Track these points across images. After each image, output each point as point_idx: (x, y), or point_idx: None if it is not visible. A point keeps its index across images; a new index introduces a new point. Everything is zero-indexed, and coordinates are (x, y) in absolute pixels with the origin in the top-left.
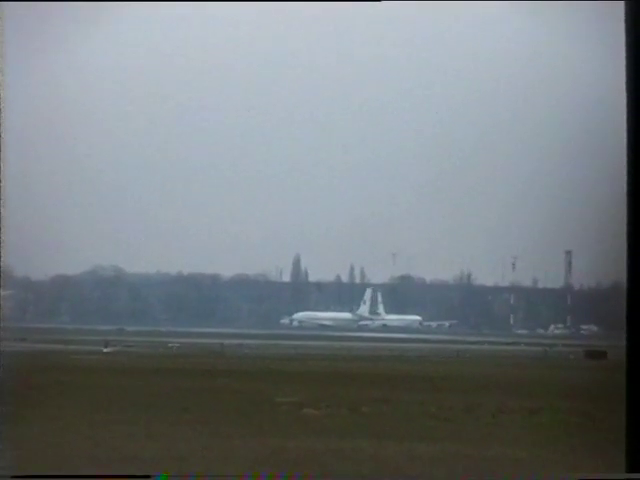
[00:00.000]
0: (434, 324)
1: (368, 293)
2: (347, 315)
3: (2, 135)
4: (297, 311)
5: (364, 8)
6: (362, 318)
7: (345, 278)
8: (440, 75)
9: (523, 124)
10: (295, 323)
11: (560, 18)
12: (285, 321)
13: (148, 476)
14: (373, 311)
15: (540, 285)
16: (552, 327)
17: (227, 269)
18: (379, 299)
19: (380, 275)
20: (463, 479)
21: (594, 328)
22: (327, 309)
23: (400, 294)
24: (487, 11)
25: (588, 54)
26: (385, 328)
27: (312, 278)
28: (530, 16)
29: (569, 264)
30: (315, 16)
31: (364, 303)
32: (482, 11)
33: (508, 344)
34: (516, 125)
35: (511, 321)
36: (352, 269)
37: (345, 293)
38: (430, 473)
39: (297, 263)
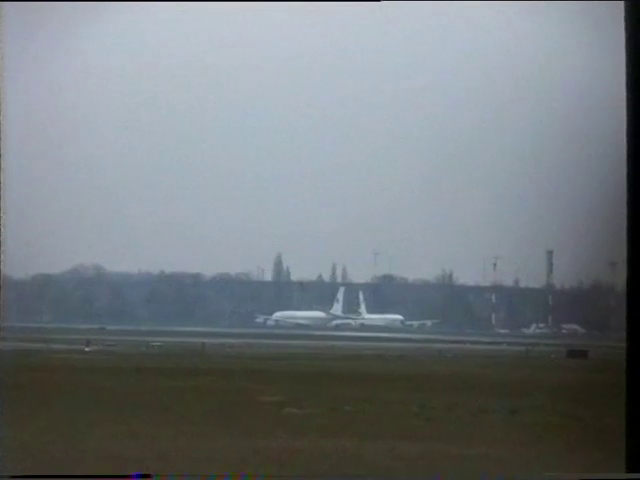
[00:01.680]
0: (416, 323)
1: (341, 292)
2: (320, 314)
3: (2, 136)
4: (279, 310)
5: (364, 8)
6: (335, 317)
7: (327, 277)
8: (435, 76)
9: (512, 125)
10: (270, 322)
11: (560, 18)
12: (259, 320)
13: (148, 475)
14: (354, 310)
15: (522, 285)
16: (533, 326)
17: (209, 268)
18: (361, 298)
19: (362, 274)
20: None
21: (575, 327)
22: (309, 308)
23: (382, 293)
24: (487, 11)
25: (588, 54)
26: (366, 327)
27: (294, 277)
28: (530, 16)
29: (550, 264)
30: (315, 16)
31: (337, 302)
32: (482, 11)
33: (490, 343)
34: (504, 126)
35: (493, 320)
36: (334, 268)
37: (327, 292)
38: (412, 472)
39: (279, 262)
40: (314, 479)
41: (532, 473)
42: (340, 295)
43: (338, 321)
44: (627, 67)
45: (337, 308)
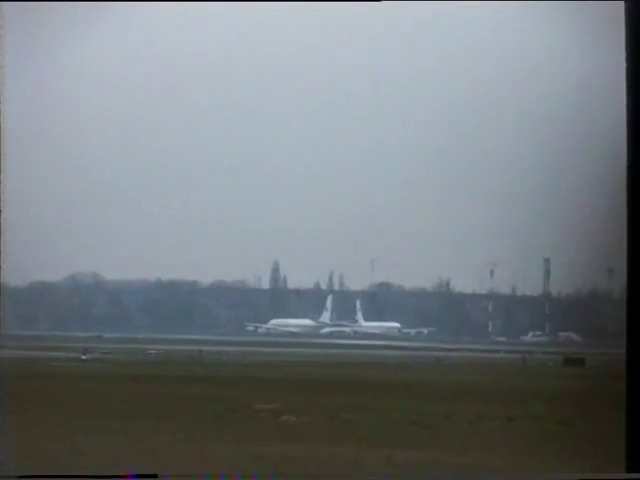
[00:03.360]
0: (413, 331)
1: (329, 300)
2: (309, 322)
3: (1, 142)
4: (275, 318)
5: (364, 7)
6: (324, 325)
7: (324, 285)
8: (433, 77)
9: (510, 129)
10: (262, 330)
11: (560, 18)
12: (250, 328)
13: (155, 475)
14: (351, 317)
15: (518, 292)
16: (530, 334)
17: (206, 276)
18: (358, 306)
19: (359, 282)
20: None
21: (572, 335)
22: (305, 316)
23: (379, 301)
24: (487, 11)
25: (588, 54)
26: (361, 335)
27: (291, 285)
28: (530, 16)
29: (547, 272)
30: (316, 16)
31: (326, 310)
32: (482, 11)
33: (487, 351)
34: (502, 130)
35: (490, 328)
36: (331, 276)
37: (324, 300)
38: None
39: (276, 270)
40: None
41: (532, 474)
42: (328, 303)
43: (331, 329)
44: (627, 67)
45: (325, 316)
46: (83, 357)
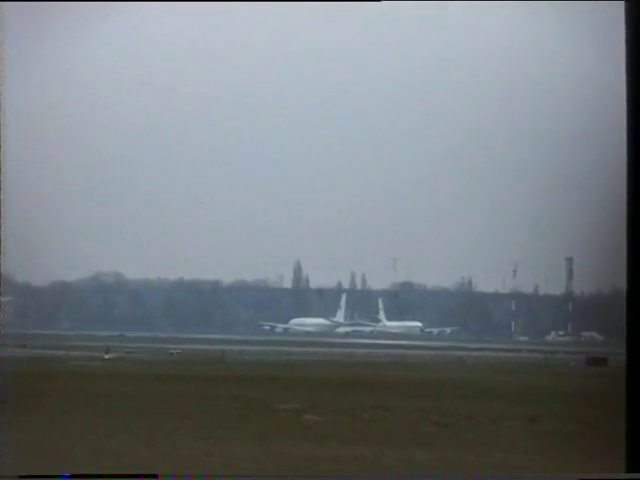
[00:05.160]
0: (435, 330)
1: (343, 299)
2: (324, 321)
3: (1, 137)
4: (297, 317)
5: (364, 7)
6: (338, 324)
7: (346, 284)
8: (440, 77)
9: (523, 129)
10: (278, 330)
11: (560, 18)
12: (266, 327)
13: (155, 475)
14: (373, 317)
15: (541, 292)
16: (553, 334)
17: (227, 275)
18: (380, 305)
19: (381, 281)
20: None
21: (595, 335)
22: (327, 315)
23: (401, 300)
24: (488, 10)
25: (588, 54)
26: (383, 334)
27: (313, 284)
28: (530, 16)
29: (570, 271)
30: (315, 15)
31: (340, 309)
32: (481, 11)
33: (509, 351)
34: (516, 130)
35: (512, 328)
36: (353, 275)
37: (347, 299)
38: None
39: (298, 269)
40: (315, 479)
41: (532, 473)
42: (342, 302)
43: (347, 328)
44: (627, 67)
45: (340, 315)
46: (106, 356)
